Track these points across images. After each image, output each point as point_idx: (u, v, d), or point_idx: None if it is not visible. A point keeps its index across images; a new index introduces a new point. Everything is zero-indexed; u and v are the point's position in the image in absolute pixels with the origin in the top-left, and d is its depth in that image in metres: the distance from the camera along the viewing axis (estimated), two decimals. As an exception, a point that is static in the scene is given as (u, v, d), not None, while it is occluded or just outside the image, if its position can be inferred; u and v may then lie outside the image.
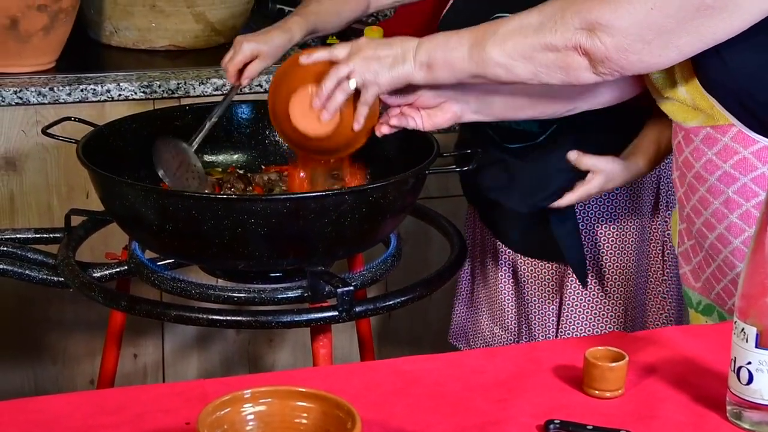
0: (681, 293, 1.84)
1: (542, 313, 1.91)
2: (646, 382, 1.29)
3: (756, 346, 1.17)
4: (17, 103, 2.22)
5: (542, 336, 1.90)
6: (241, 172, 1.92)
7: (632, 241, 1.86)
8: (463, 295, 2.05)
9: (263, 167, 1.95)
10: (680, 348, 1.37)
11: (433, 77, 1.48)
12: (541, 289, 1.91)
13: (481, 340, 2.01)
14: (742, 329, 1.17)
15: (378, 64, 1.48)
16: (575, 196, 1.72)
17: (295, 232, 1.61)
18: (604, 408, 1.24)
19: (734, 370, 1.19)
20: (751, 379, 1.18)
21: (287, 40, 1.85)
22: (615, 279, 1.87)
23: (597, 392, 1.25)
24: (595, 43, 1.35)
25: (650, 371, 1.32)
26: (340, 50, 1.53)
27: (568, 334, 1.86)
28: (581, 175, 1.74)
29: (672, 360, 1.34)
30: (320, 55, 1.54)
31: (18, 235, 1.89)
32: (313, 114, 1.55)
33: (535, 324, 1.92)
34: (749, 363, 1.17)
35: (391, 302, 1.69)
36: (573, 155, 1.69)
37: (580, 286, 1.86)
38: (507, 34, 1.42)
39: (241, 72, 1.82)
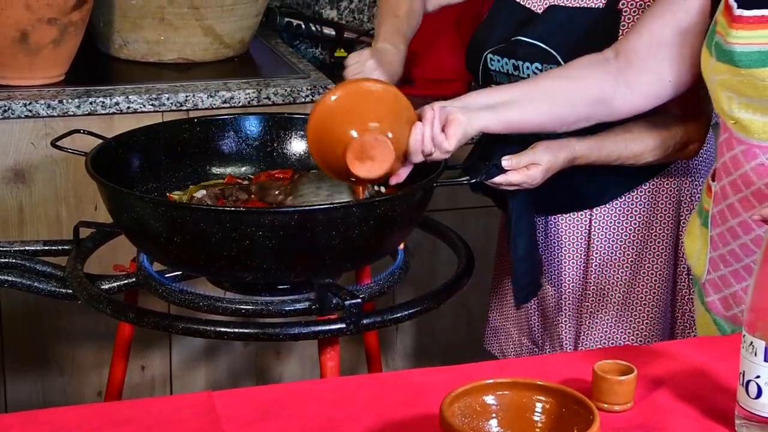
0: None
1: (560, 329, 1.91)
2: (655, 396, 1.29)
3: (765, 360, 1.16)
4: (27, 116, 2.23)
5: (562, 350, 1.90)
6: (245, 182, 1.92)
7: (650, 258, 1.86)
8: (496, 302, 2.05)
9: (251, 177, 1.94)
10: (689, 361, 1.37)
11: None
12: (557, 305, 1.91)
13: (512, 349, 2.01)
14: (751, 343, 1.17)
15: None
16: (516, 178, 1.71)
17: (303, 244, 1.62)
18: (612, 422, 1.24)
19: (743, 384, 1.19)
20: (759, 393, 1.18)
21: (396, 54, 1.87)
22: (634, 296, 1.86)
23: (606, 405, 1.25)
24: None
25: (659, 384, 1.32)
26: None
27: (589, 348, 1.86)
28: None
29: (681, 373, 1.34)
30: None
31: (27, 247, 1.89)
32: (368, 159, 1.59)
33: (556, 339, 1.92)
34: (758, 377, 1.17)
35: (398, 315, 1.69)
36: (507, 162, 1.71)
37: (601, 301, 1.86)
38: None
39: None
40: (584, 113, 1.67)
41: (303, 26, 2.80)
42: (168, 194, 1.88)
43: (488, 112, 1.64)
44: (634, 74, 1.63)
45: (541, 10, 1.79)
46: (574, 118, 1.67)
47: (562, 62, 1.74)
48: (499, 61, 1.81)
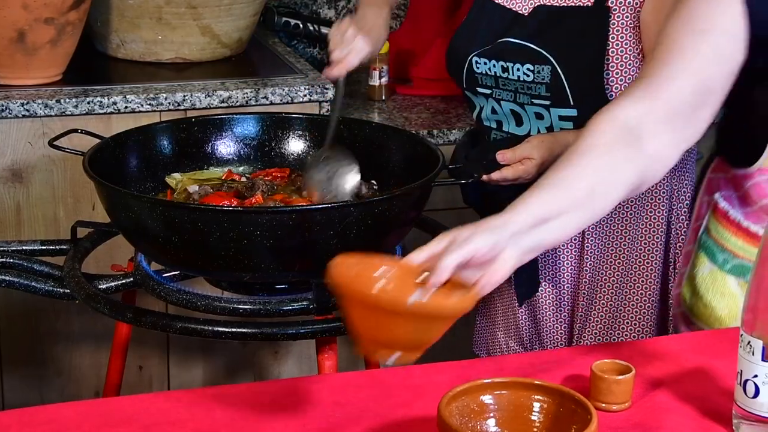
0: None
1: (554, 328, 1.91)
2: (653, 395, 1.30)
3: (762, 359, 1.17)
4: (24, 116, 2.23)
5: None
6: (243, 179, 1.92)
7: (642, 253, 1.86)
8: (482, 305, 2.05)
9: (249, 176, 1.93)
10: (687, 360, 1.37)
11: None
12: (555, 303, 1.91)
13: (498, 352, 2.01)
14: (749, 342, 1.17)
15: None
16: (511, 173, 1.71)
17: (301, 244, 1.62)
18: (610, 421, 1.24)
19: (740, 383, 1.19)
20: (757, 393, 1.18)
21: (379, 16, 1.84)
22: (626, 292, 1.87)
23: (604, 405, 1.25)
24: None
25: (657, 384, 1.32)
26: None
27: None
28: None
29: (679, 371, 1.34)
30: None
31: (24, 247, 1.89)
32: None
33: (546, 340, 1.92)
34: (755, 376, 1.17)
35: (396, 314, 1.69)
36: (502, 156, 1.71)
37: (593, 299, 1.86)
38: None
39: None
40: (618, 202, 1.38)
41: (301, 26, 2.80)
42: (168, 190, 1.88)
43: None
44: (670, 135, 1.34)
45: (527, 11, 1.78)
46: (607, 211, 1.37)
47: (555, 62, 1.73)
48: (485, 63, 1.80)
